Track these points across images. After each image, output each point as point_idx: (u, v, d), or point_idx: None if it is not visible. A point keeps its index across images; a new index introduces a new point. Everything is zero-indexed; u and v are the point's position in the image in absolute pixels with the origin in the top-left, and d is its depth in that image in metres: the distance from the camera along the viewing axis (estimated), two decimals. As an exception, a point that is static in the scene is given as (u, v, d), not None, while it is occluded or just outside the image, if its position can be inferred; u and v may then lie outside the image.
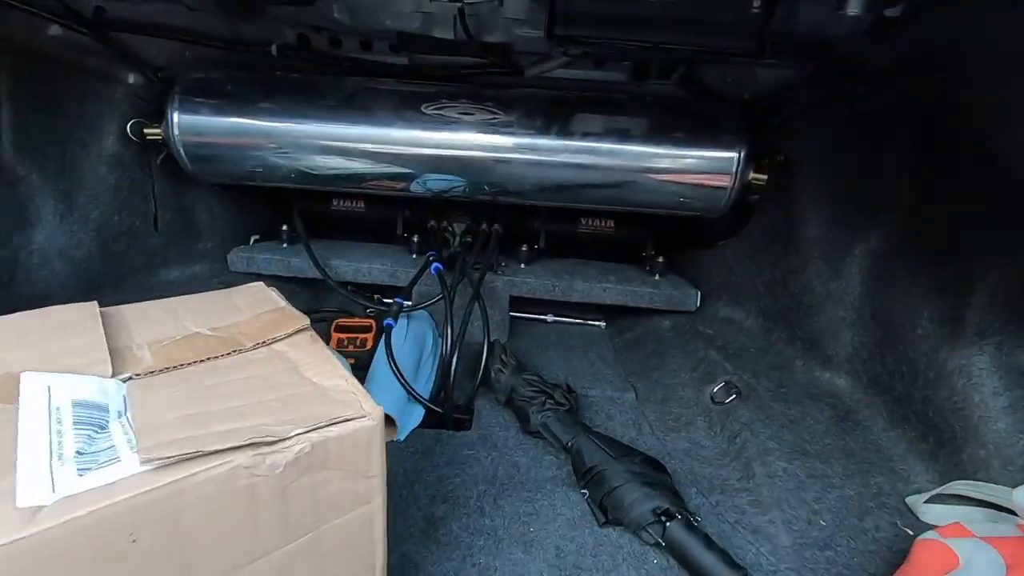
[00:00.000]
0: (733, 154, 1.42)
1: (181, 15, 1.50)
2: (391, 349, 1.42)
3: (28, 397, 0.58)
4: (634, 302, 1.78)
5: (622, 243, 1.96)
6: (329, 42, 1.61)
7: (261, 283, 0.98)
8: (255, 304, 0.88)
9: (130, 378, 0.66)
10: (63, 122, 1.48)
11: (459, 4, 1.32)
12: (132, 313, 0.86)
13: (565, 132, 1.46)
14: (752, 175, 1.42)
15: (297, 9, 1.46)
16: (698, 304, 1.78)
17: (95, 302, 0.86)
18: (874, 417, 1.27)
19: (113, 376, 0.65)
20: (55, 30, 1.47)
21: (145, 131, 1.49)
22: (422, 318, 1.72)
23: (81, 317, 0.80)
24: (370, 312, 1.76)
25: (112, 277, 1.59)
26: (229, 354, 0.72)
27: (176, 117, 1.45)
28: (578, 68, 1.58)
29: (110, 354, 0.69)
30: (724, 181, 1.44)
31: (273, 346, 0.76)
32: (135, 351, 0.72)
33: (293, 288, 1.93)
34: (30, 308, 1.41)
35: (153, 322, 0.81)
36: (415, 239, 1.89)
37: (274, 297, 0.92)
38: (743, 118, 1.45)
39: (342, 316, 1.81)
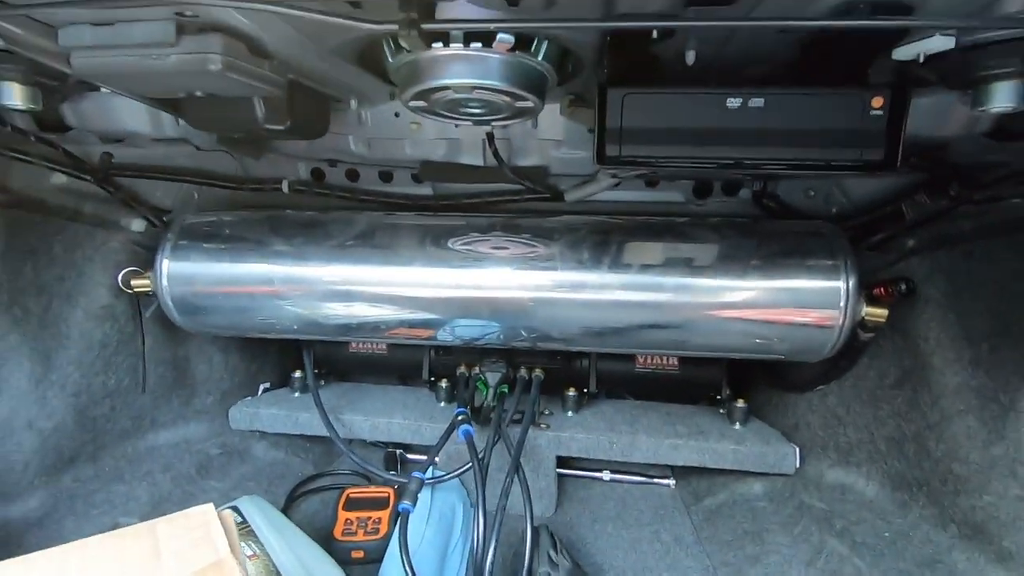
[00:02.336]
0: (838, 284, 1.11)
1: (189, 156, 1.39)
2: (406, 546, 1.10)
3: None
4: (715, 463, 1.41)
5: (689, 384, 1.63)
6: (346, 175, 1.46)
7: (208, 508, 0.69)
8: (184, 554, 0.59)
9: None
10: (52, 273, 1.33)
11: (487, 128, 1.14)
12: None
13: (618, 265, 1.20)
14: (866, 310, 1.11)
15: (311, 143, 1.33)
16: (797, 464, 1.40)
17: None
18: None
19: None
20: (58, 179, 1.37)
21: (133, 282, 1.32)
22: (451, 489, 1.40)
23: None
24: (388, 479, 1.45)
25: (90, 447, 1.36)
26: None
27: (166, 265, 1.27)
28: (627, 189, 1.36)
29: None
30: (829, 319, 1.12)
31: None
32: None
33: (303, 445, 1.66)
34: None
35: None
36: (443, 384, 1.62)
37: (217, 539, 0.63)
38: (843, 239, 1.17)
39: (357, 483, 1.51)
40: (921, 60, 0.75)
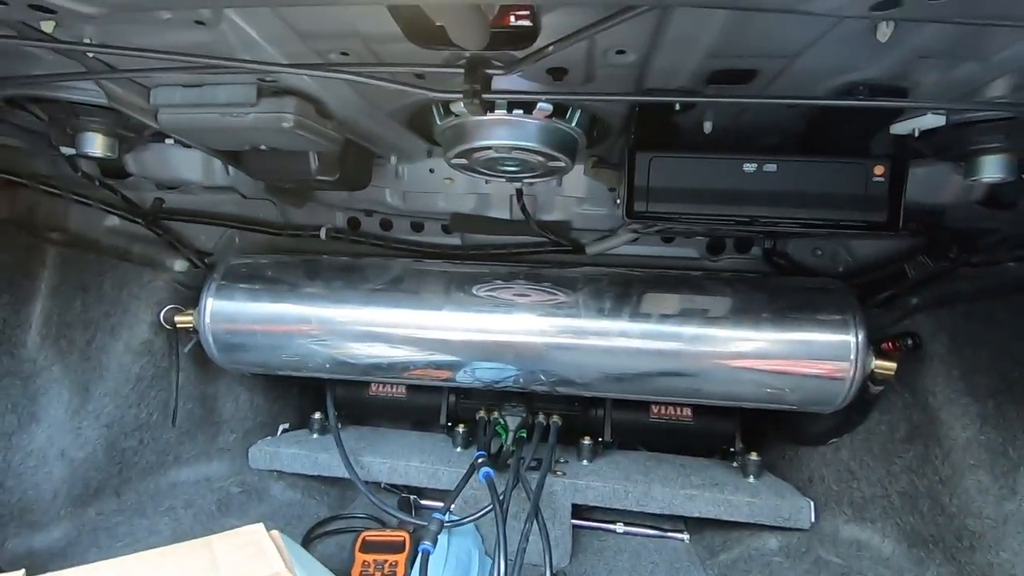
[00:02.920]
0: (849, 338, 1.17)
1: (234, 203, 1.49)
2: (427, 587, 1.11)
3: None
4: (729, 515, 1.42)
5: (703, 435, 1.65)
6: (380, 224, 1.56)
7: (259, 528, 0.73)
8: (241, 566, 0.63)
9: None
10: (98, 308, 1.40)
11: (516, 185, 1.24)
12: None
13: (636, 314, 1.26)
14: (876, 363, 1.16)
15: (349, 194, 1.43)
16: (813, 519, 1.40)
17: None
18: None
19: None
20: (111, 221, 1.47)
21: (176, 318, 1.39)
22: (467, 533, 1.41)
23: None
24: (403, 523, 1.46)
25: (115, 480, 1.39)
26: None
27: (210, 303, 1.35)
28: (645, 245, 1.45)
29: None
30: (841, 371, 1.17)
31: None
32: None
33: (319, 487, 1.67)
34: (17, 517, 1.22)
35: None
36: (460, 430, 1.65)
37: (271, 555, 0.67)
38: (851, 295, 1.23)
39: (371, 527, 1.51)
40: (916, 135, 0.84)
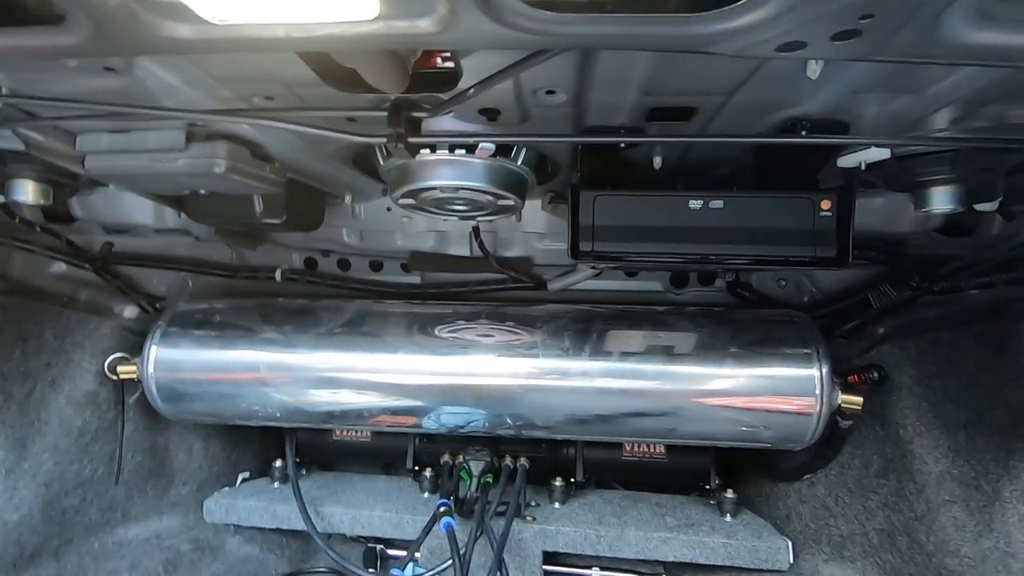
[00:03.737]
0: (813, 371, 1.14)
1: (187, 246, 1.45)
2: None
3: None
4: (706, 558, 1.37)
5: (678, 472, 1.60)
6: (338, 264, 1.52)
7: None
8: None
9: None
10: (39, 359, 1.34)
11: (473, 222, 1.21)
12: None
13: (599, 352, 1.23)
14: (842, 398, 1.13)
15: (305, 234, 1.39)
16: (791, 559, 1.35)
17: None
18: None
19: None
20: (57, 267, 1.41)
21: (119, 368, 1.33)
22: (431, 588, 1.33)
23: None
24: (367, 577, 1.38)
25: (54, 542, 1.30)
26: None
27: (154, 351, 1.29)
28: (608, 279, 1.42)
29: None
30: (807, 406, 1.14)
31: None
32: None
33: (279, 540, 1.59)
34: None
35: None
36: (427, 474, 1.58)
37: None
38: (814, 328, 1.21)
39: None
40: (863, 168, 0.83)
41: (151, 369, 1.29)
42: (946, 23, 0.44)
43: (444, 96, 0.64)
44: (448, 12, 0.42)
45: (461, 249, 1.41)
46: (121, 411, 1.36)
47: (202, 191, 1.01)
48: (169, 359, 1.29)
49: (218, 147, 0.84)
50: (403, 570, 1.20)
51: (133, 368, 1.32)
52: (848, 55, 0.47)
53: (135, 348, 1.41)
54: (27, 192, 1.02)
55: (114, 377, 1.35)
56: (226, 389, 1.29)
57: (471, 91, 0.60)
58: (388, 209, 1.35)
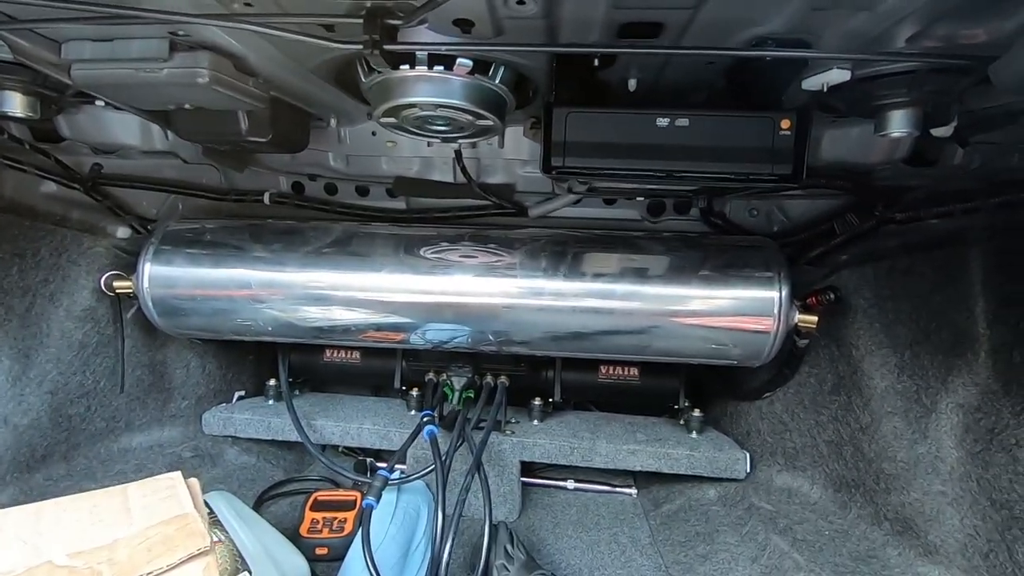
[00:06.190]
0: (773, 293, 1.21)
1: (176, 168, 1.47)
2: (369, 540, 1.14)
3: None
4: (670, 468, 1.48)
5: (650, 394, 1.70)
6: (324, 189, 1.55)
7: (176, 475, 0.75)
8: (153, 508, 0.65)
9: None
10: (37, 275, 1.39)
11: (455, 146, 1.24)
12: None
13: (576, 274, 1.29)
14: (799, 317, 1.21)
15: (292, 158, 1.42)
16: (748, 469, 1.47)
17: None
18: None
19: None
20: (47, 187, 1.44)
21: (116, 283, 1.38)
22: (417, 491, 1.44)
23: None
24: (356, 483, 1.49)
25: (63, 446, 1.39)
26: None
27: (148, 268, 1.34)
28: (587, 207, 1.47)
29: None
30: (766, 325, 1.22)
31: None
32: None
33: (275, 451, 1.70)
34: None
35: (3, 539, 0.59)
36: (413, 393, 1.68)
37: (183, 498, 0.69)
38: (779, 253, 1.27)
39: (325, 488, 1.54)
40: (825, 90, 0.86)
41: (146, 284, 1.34)
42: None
43: (416, 3, 0.67)
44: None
45: (445, 175, 1.44)
46: (120, 325, 1.43)
47: (187, 106, 1.03)
48: (163, 275, 1.35)
49: (200, 57, 0.86)
50: (389, 473, 1.30)
51: (129, 284, 1.37)
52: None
53: (128, 267, 1.46)
54: (16, 104, 1.04)
55: (111, 293, 1.41)
56: (219, 305, 1.35)
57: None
58: (373, 134, 1.38)
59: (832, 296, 1.20)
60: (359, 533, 1.17)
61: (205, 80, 0.87)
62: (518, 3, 0.70)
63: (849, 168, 1.24)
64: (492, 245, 1.38)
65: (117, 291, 1.38)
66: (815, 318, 1.19)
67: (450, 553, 1.11)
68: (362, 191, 1.55)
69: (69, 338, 1.40)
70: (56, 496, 1.33)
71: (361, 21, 0.69)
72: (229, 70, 0.91)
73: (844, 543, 1.22)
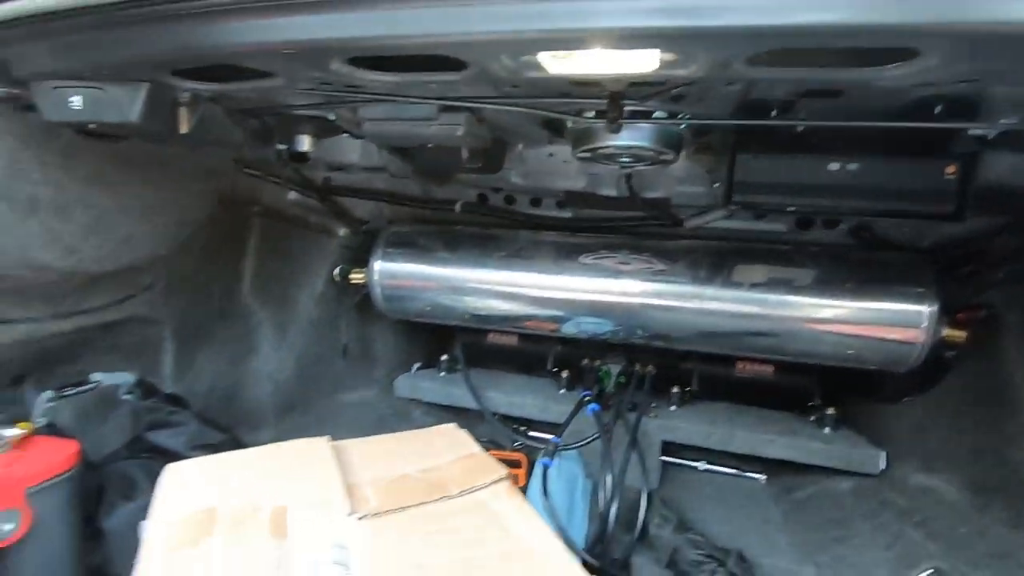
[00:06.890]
0: (923, 308, 1.32)
1: (385, 180, 1.82)
2: (547, 491, 1.41)
3: (297, 535, 0.66)
4: (805, 458, 1.62)
5: (783, 390, 1.83)
6: (504, 199, 1.84)
7: (454, 425, 1.06)
8: (452, 447, 0.95)
9: (363, 517, 0.74)
10: (289, 267, 1.80)
11: (627, 170, 1.45)
12: (352, 449, 0.96)
13: (727, 281, 1.47)
14: (947, 331, 1.30)
15: (481, 175, 1.71)
16: (883, 466, 1.57)
17: (327, 437, 0.98)
18: None
19: (349, 514, 0.73)
20: (292, 195, 1.84)
21: (350, 276, 1.77)
22: (572, 459, 1.70)
23: (315, 452, 0.91)
24: (518, 446, 1.78)
25: (303, 399, 1.81)
26: (439, 499, 0.78)
27: (379, 264, 1.71)
28: (738, 219, 1.62)
29: (344, 491, 0.77)
30: (913, 336, 1.33)
31: (476, 494, 0.80)
32: (361, 489, 0.80)
33: (449, 416, 2.04)
34: (246, 420, 1.67)
35: (370, 460, 0.91)
36: (564, 375, 1.93)
37: (467, 441, 0.99)
38: (929, 269, 1.37)
39: (490, 449, 1.86)
40: (990, 137, 0.97)
41: (376, 276, 1.72)
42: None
43: (649, 89, 0.89)
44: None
45: (609, 190, 1.66)
46: (344, 307, 1.82)
47: (430, 145, 1.33)
48: (387, 269, 1.72)
49: (460, 116, 1.14)
50: (560, 439, 1.57)
51: (361, 275, 1.76)
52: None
53: (349, 260, 1.84)
54: (305, 144, 1.40)
55: (340, 282, 1.80)
56: (428, 295, 1.71)
57: (677, 89, 0.84)
58: (550, 155, 1.63)
59: (984, 312, 1.29)
60: (531, 485, 1.45)
61: (461, 133, 1.15)
62: (727, 84, 0.90)
63: (1006, 190, 1.29)
64: (647, 253, 1.59)
65: (352, 281, 1.77)
66: (964, 333, 1.28)
67: (617, 511, 1.35)
68: (535, 202, 1.82)
69: (309, 316, 1.81)
70: (302, 436, 1.76)
71: (605, 102, 0.92)
72: (474, 122, 1.19)
73: (980, 541, 1.30)
